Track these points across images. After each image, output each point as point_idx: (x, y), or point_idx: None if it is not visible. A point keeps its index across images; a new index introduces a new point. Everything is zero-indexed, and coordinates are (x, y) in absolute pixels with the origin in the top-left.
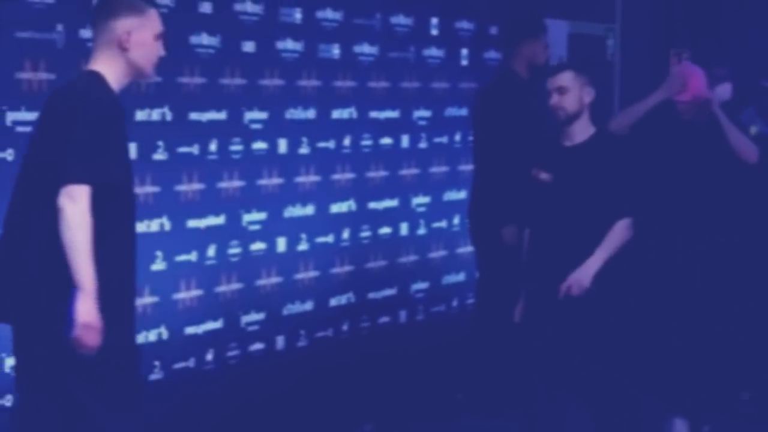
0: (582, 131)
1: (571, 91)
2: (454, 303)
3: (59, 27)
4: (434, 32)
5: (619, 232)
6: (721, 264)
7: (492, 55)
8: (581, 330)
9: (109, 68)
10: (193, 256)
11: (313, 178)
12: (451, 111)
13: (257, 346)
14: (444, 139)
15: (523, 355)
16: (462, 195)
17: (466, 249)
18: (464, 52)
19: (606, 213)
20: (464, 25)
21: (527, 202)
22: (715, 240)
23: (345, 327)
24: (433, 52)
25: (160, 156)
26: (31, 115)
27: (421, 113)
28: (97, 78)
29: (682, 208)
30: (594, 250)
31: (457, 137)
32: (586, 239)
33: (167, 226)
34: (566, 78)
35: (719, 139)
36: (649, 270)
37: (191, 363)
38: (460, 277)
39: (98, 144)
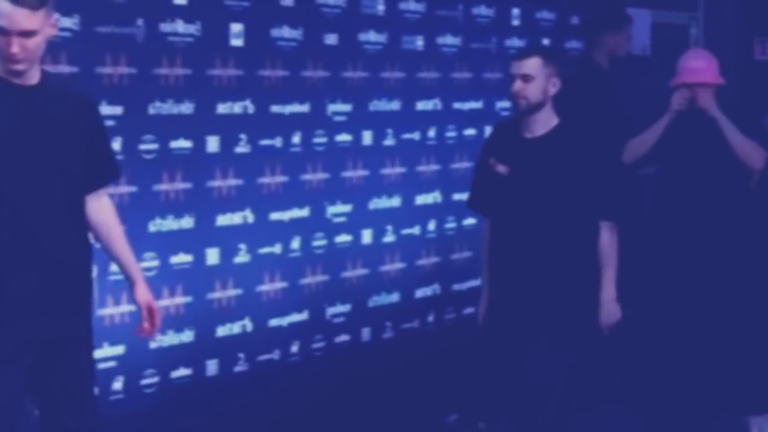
0: (544, 123)
1: (536, 80)
2: None
3: (139, 21)
4: (515, 23)
5: (610, 246)
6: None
7: (573, 45)
8: (546, 331)
9: None
10: (277, 249)
11: (398, 169)
12: None
13: (343, 338)
14: None
15: (486, 356)
16: None
17: None
18: (545, 42)
19: (571, 210)
20: (545, 15)
21: (487, 195)
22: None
23: (431, 318)
24: (515, 42)
25: (242, 149)
26: (112, 110)
27: (504, 104)
28: None
29: (688, 211)
30: (553, 246)
31: None
32: (546, 235)
33: (250, 218)
34: (533, 65)
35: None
36: (649, 275)
37: (276, 355)
38: None
39: None
